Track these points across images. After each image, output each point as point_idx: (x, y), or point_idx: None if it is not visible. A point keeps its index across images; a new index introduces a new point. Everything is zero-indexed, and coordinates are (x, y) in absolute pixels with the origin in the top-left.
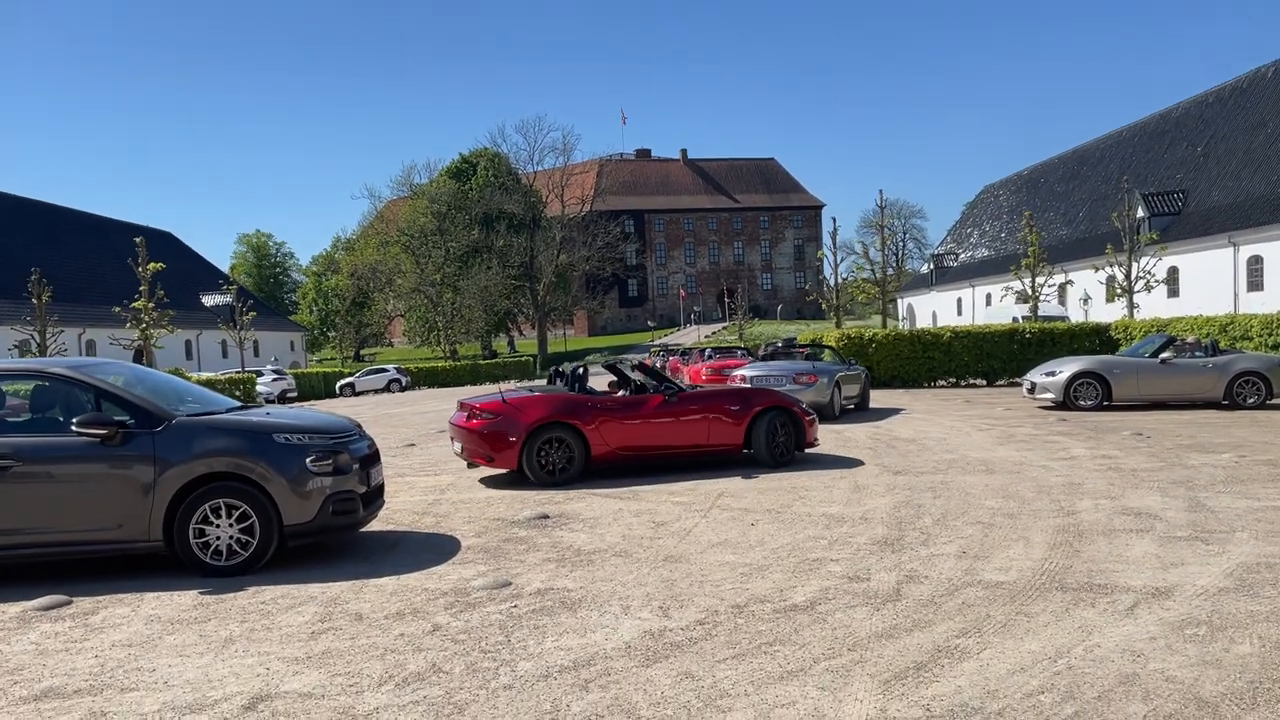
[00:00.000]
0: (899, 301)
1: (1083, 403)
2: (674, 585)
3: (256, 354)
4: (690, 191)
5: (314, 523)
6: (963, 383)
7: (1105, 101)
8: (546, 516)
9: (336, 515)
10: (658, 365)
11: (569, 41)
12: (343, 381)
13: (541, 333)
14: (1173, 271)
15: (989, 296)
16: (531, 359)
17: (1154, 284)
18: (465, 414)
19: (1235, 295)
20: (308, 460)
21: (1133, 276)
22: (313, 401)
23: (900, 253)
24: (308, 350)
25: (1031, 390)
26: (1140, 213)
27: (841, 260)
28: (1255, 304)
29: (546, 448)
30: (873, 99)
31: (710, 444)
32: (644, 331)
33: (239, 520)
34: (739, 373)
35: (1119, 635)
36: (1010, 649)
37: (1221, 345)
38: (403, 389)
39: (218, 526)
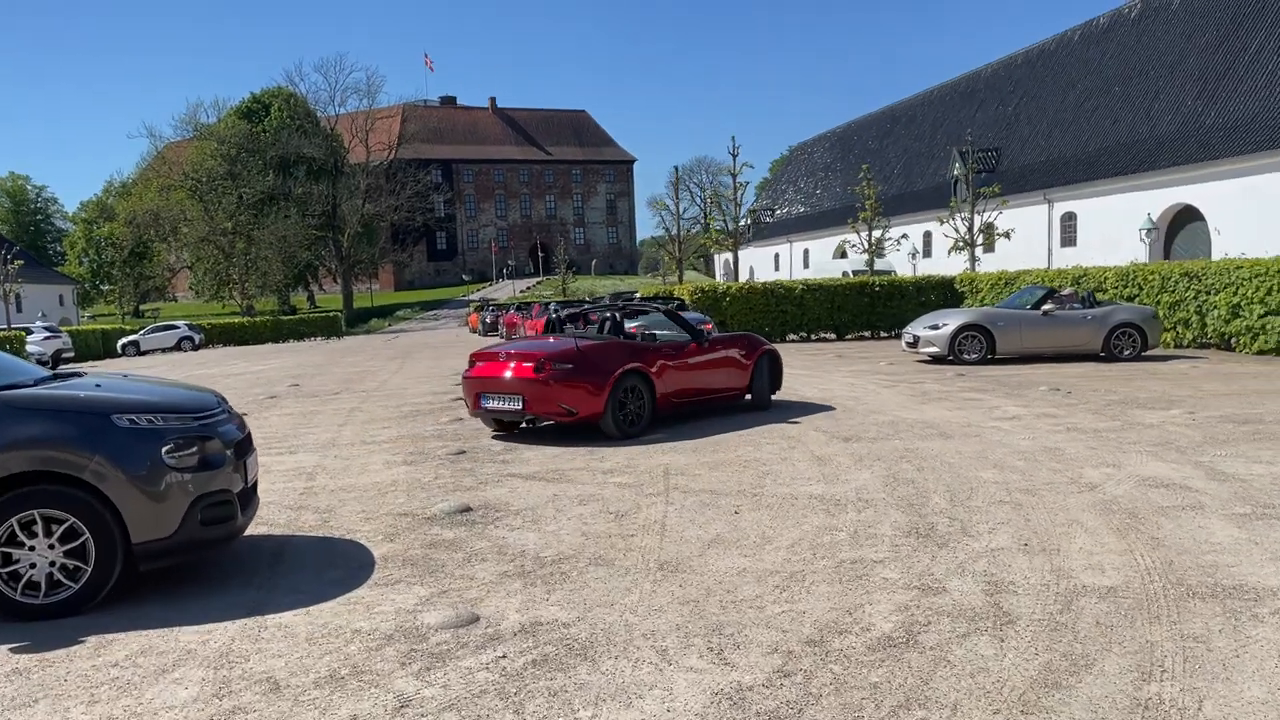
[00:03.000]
0: (715, 258)
1: (968, 356)
2: (702, 610)
3: (19, 309)
4: (500, 142)
5: (176, 537)
6: (813, 336)
7: (911, 64)
8: (469, 509)
9: (207, 525)
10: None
11: None
12: (125, 339)
13: (347, 286)
14: (989, 227)
15: (806, 252)
16: (338, 314)
17: (1009, 234)
18: (531, 365)
19: (1050, 251)
20: (163, 451)
21: (975, 230)
22: (94, 362)
23: (706, 209)
24: (79, 305)
25: (914, 344)
26: (957, 170)
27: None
28: (1069, 258)
29: (627, 396)
30: (679, 62)
31: (727, 388)
32: (455, 286)
33: (64, 539)
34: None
35: None
36: (1230, 698)
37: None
38: (195, 347)
39: (32, 549)
